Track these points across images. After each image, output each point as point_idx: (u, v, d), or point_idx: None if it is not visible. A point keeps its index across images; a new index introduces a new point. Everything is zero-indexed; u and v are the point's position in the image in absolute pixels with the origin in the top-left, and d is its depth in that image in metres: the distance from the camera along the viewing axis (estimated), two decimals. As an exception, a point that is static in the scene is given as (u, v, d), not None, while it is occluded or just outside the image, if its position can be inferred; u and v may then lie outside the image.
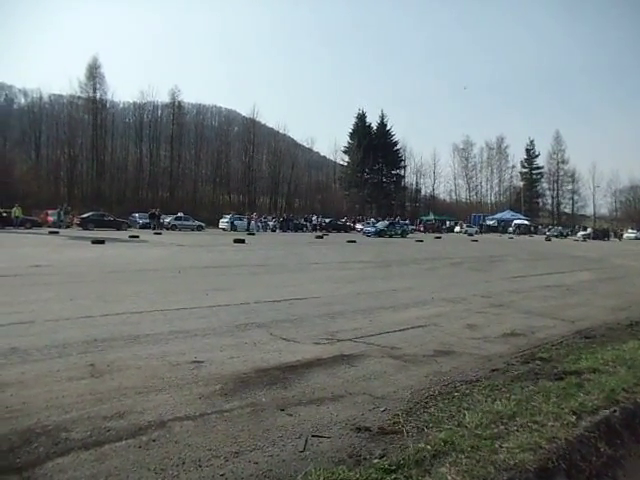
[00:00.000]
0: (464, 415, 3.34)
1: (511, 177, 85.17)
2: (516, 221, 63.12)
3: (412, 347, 5.38)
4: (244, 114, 71.71)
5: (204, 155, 64.00)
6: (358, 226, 51.92)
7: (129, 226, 35.68)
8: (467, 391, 3.92)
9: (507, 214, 68.55)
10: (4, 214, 29.77)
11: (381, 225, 44.46)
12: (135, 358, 4.56)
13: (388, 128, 78.83)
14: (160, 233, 31.27)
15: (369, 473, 2.52)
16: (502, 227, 62.09)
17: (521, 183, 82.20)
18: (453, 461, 2.66)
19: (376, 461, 2.71)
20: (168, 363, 4.45)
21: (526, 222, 63.76)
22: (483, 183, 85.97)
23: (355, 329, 6.16)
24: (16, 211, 30.53)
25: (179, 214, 40.50)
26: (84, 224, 33.06)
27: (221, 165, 64.07)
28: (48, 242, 21.10)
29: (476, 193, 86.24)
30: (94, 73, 55.20)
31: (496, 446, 2.86)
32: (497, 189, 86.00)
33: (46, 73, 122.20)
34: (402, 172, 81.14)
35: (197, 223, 40.48)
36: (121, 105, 66.33)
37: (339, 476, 2.48)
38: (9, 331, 5.35)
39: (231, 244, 23.24)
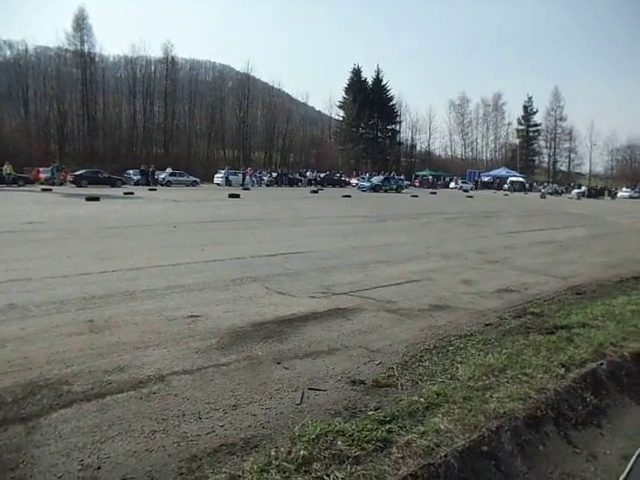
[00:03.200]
0: (457, 368, 3.43)
1: (507, 134, 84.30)
2: (511, 178, 62.92)
3: (407, 301, 5.45)
4: (238, 69, 70.34)
5: (198, 111, 62.65)
6: (353, 181, 51.47)
7: (123, 183, 35.14)
8: (461, 345, 4.00)
9: (502, 171, 68.20)
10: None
11: (376, 180, 43.49)
12: (132, 314, 4.62)
13: (384, 83, 77.12)
14: (155, 189, 30.88)
15: (364, 424, 2.58)
16: (497, 184, 61.99)
17: (517, 140, 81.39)
18: (445, 411, 2.75)
19: (371, 413, 2.78)
20: (165, 318, 4.50)
21: (521, 179, 63.36)
22: (479, 139, 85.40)
23: (350, 283, 6.24)
24: (7, 168, 29.96)
25: (167, 170, 40.02)
26: (77, 181, 32.52)
27: (215, 120, 62.80)
28: (41, 199, 20.85)
29: (472, 149, 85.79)
30: (81, 24, 52.59)
31: (487, 397, 2.95)
32: (493, 146, 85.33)
33: (31, 25, 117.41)
34: (397, 127, 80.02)
35: (192, 179, 40.20)
36: (111, 59, 64.02)
37: (335, 428, 2.54)
38: (6, 288, 5.38)
39: (226, 199, 23.15)
